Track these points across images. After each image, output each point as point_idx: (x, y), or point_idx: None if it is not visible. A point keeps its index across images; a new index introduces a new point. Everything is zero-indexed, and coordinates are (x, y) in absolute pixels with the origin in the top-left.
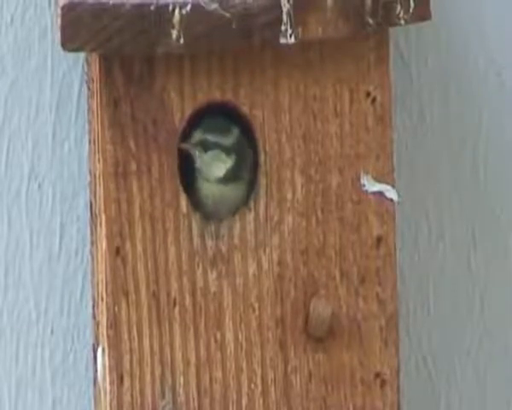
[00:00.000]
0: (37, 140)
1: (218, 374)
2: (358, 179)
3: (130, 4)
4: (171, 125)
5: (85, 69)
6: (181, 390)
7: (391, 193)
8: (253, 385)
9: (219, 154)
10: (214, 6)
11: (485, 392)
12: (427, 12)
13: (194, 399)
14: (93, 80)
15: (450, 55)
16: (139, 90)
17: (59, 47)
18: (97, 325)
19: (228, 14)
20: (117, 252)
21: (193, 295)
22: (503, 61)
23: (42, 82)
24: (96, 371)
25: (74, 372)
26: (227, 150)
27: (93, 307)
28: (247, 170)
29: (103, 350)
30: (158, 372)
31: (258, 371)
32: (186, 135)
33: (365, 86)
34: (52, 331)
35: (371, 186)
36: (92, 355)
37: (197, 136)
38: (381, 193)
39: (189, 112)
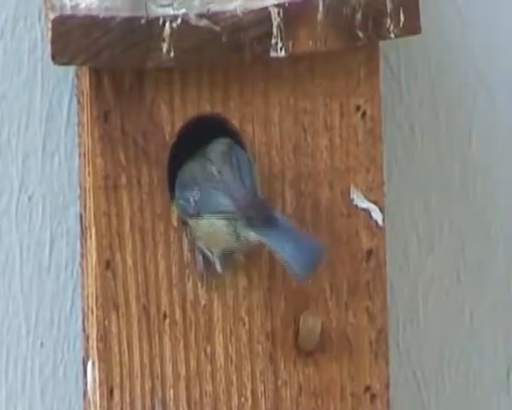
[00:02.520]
0: (27, 153)
1: (209, 387)
2: (348, 193)
3: (121, 18)
4: (161, 138)
5: (75, 82)
6: (171, 404)
7: (376, 214)
8: (243, 398)
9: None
10: (204, 20)
11: (475, 405)
12: (417, 26)
13: None
14: (83, 93)
15: (439, 68)
16: (129, 103)
17: (49, 60)
18: (87, 338)
19: (218, 28)
20: (107, 265)
21: (183, 308)
22: (492, 75)
23: (32, 95)
24: (85, 384)
25: (64, 385)
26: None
27: (83, 320)
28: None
29: (93, 363)
30: (148, 386)
31: (249, 385)
32: (176, 148)
33: (355, 100)
34: (42, 344)
35: (360, 202)
36: (82, 368)
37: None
38: (368, 211)
39: (179, 125)
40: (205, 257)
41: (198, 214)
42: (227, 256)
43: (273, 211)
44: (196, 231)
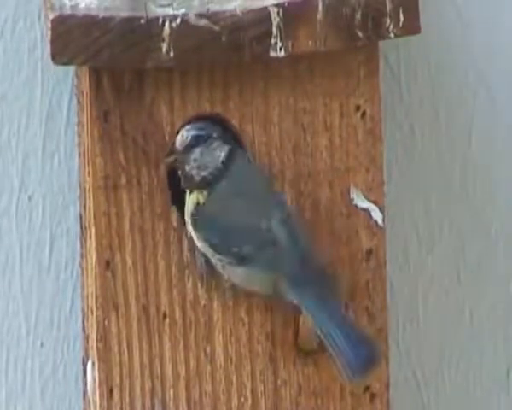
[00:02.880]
0: (27, 153)
1: (208, 387)
2: (348, 193)
3: (120, 18)
4: (160, 138)
5: (75, 82)
6: (171, 404)
7: (376, 214)
8: (242, 398)
9: (214, 142)
10: (204, 20)
11: (475, 405)
12: (417, 26)
13: None
14: (83, 93)
15: (439, 68)
16: (129, 103)
17: (49, 60)
18: (87, 338)
19: (217, 28)
20: (107, 265)
21: (183, 308)
22: (492, 75)
23: (32, 95)
24: (85, 384)
25: (64, 385)
26: (221, 139)
27: (83, 320)
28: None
29: (93, 364)
30: (148, 386)
31: (248, 385)
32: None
33: (355, 100)
34: (42, 344)
35: (360, 202)
36: (82, 368)
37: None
38: (367, 211)
39: (178, 125)
40: (207, 260)
41: (240, 263)
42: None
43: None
44: (226, 274)
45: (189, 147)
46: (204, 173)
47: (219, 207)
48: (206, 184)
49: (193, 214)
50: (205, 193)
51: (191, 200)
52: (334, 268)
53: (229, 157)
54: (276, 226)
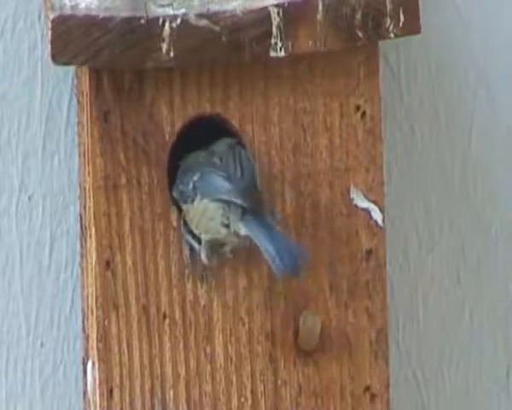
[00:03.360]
0: (27, 153)
1: (208, 387)
2: (348, 193)
3: (120, 18)
4: (160, 138)
5: (75, 82)
6: (171, 404)
7: (376, 214)
8: (242, 399)
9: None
10: (204, 20)
11: (475, 405)
12: (417, 26)
13: None
14: (83, 93)
15: (439, 68)
16: (129, 103)
17: (49, 60)
18: (87, 338)
19: (217, 28)
20: (107, 265)
21: (183, 308)
22: (492, 75)
23: (32, 95)
24: (85, 384)
25: (64, 385)
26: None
27: (83, 320)
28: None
29: (93, 364)
30: (148, 386)
31: (248, 385)
32: (176, 149)
33: (355, 100)
34: (42, 344)
35: (360, 202)
36: (82, 368)
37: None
38: (367, 211)
39: (178, 125)
40: (192, 250)
41: (194, 196)
42: (214, 248)
43: (267, 209)
44: (189, 215)
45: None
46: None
47: (192, 164)
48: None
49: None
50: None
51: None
52: (334, 268)
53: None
54: (227, 160)
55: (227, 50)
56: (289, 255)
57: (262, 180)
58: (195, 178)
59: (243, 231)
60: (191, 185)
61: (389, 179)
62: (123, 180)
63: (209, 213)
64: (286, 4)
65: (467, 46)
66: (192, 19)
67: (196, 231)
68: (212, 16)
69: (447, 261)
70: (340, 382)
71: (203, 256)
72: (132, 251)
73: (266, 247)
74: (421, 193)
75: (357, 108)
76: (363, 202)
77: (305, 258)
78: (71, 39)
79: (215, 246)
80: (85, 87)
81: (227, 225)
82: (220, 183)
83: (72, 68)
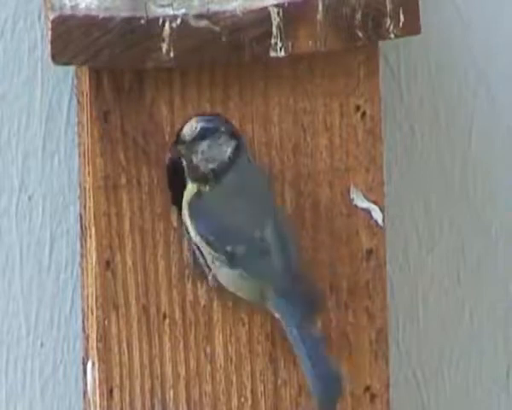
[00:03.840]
0: (27, 153)
1: (208, 388)
2: (348, 193)
3: (120, 18)
4: (160, 138)
5: (75, 82)
6: (171, 404)
7: (376, 214)
8: (242, 399)
9: (222, 136)
10: (204, 20)
11: (475, 405)
12: (417, 26)
13: None
14: (83, 93)
15: (439, 68)
16: (129, 103)
17: (49, 60)
18: (87, 338)
19: (217, 28)
20: (107, 265)
21: (183, 308)
22: (492, 75)
23: (32, 95)
24: (85, 384)
25: (64, 385)
26: (228, 133)
27: (83, 320)
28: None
29: (93, 364)
30: (148, 386)
31: (248, 385)
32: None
33: (355, 100)
34: (42, 344)
35: (360, 202)
36: (82, 368)
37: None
38: (368, 211)
39: (178, 125)
40: (194, 257)
41: (229, 264)
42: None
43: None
44: (214, 270)
45: (198, 138)
46: (212, 166)
47: (220, 202)
48: (213, 177)
49: (191, 204)
50: (207, 185)
51: (191, 189)
52: (334, 268)
53: (235, 153)
54: (269, 236)
55: (227, 50)
56: (326, 386)
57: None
58: (239, 249)
59: (277, 312)
60: (229, 251)
61: (389, 179)
62: (123, 180)
63: (243, 284)
64: (286, 4)
65: (467, 46)
66: (192, 19)
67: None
68: (212, 16)
69: (447, 261)
70: None
71: (210, 281)
72: (132, 251)
73: (307, 368)
74: (421, 193)
75: (357, 108)
76: (363, 202)
77: (338, 393)
78: (71, 39)
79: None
80: (85, 87)
81: (261, 301)
82: (269, 268)
83: (72, 68)
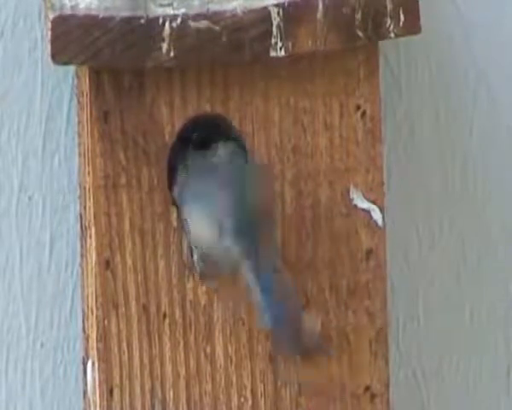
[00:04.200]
0: (28, 153)
1: (208, 387)
2: (348, 193)
3: (120, 18)
4: (160, 138)
5: (75, 82)
6: (171, 404)
7: (376, 214)
8: (242, 398)
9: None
10: (204, 20)
11: (475, 405)
12: (417, 26)
13: None
14: (83, 93)
15: (439, 68)
16: (129, 103)
17: (49, 60)
18: (87, 338)
19: (218, 28)
20: (107, 265)
21: (183, 308)
22: (492, 75)
23: (32, 95)
24: (85, 384)
25: (64, 385)
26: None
27: (83, 320)
28: None
29: (93, 363)
30: (148, 386)
31: (248, 385)
32: (176, 150)
33: (355, 100)
34: (42, 344)
35: (360, 202)
36: (82, 368)
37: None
38: (367, 211)
39: (179, 125)
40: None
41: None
42: (207, 264)
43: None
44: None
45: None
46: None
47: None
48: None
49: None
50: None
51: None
52: (334, 268)
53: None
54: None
55: (227, 50)
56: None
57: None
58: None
59: (232, 245)
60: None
61: (389, 179)
62: (123, 180)
63: (203, 219)
64: (286, 4)
65: (467, 46)
66: (192, 19)
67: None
68: (212, 16)
69: (447, 261)
70: (340, 381)
71: (196, 267)
72: (132, 251)
73: (260, 301)
74: (421, 193)
75: (358, 107)
76: (363, 202)
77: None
78: (71, 39)
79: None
80: (85, 87)
81: (220, 238)
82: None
83: (72, 68)
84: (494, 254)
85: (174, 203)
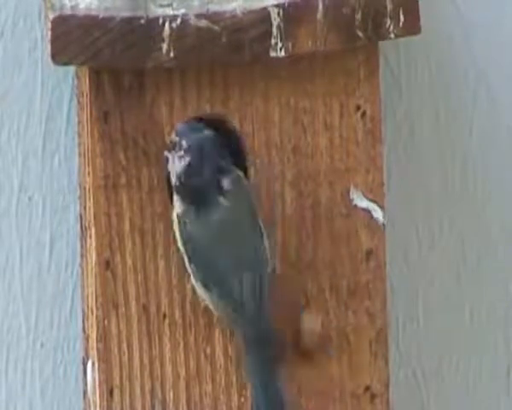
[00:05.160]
0: (28, 153)
1: (208, 388)
2: (348, 193)
3: (120, 18)
4: (160, 138)
5: (75, 82)
6: (171, 404)
7: (377, 213)
8: (242, 399)
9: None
10: (204, 20)
11: (475, 405)
12: (417, 26)
13: None
14: (83, 93)
15: (439, 68)
16: (129, 103)
17: (49, 60)
18: (87, 338)
19: (217, 28)
20: (107, 265)
21: (183, 308)
22: (492, 75)
23: (32, 95)
24: (85, 384)
25: (64, 386)
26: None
27: (83, 320)
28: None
29: (93, 364)
30: (148, 386)
31: (249, 385)
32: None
33: (355, 100)
34: (42, 345)
35: (360, 202)
36: (82, 368)
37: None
38: (368, 210)
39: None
40: None
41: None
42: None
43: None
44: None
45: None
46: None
47: (207, 235)
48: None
49: (180, 221)
50: (193, 208)
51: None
52: (334, 268)
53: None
54: (246, 288)
55: (227, 50)
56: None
57: (262, 180)
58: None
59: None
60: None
61: (389, 179)
62: (123, 180)
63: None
64: (286, 4)
65: (467, 46)
66: (192, 19)
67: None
68: (211, 16)
69: (447, 261)
70: (340, 382)
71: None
72: (132, 251)
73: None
74: (421, 193)
75: (358, 107)
76: (363, 202)
77: None
78: (71, 39)
79: None
80: (85, 87)
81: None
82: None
83: (72, 68)
84: (494, 254)
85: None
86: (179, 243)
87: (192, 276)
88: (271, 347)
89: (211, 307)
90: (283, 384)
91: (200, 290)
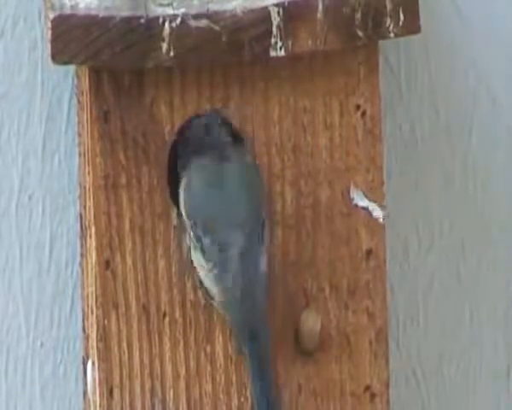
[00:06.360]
0: (28, 153)
1: (208, 387)
2: (348, 192)
3: (120, 17)
4: (160, 137)
5: (75, 82)
6: (171, 404)
7: (377, 212)
8: (242, 398)
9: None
10: (204, 19)
11: (475, 405)
12: (417, 25)
13: None
14: (83, 93)
15: (439, 68)
16: (129, 102)
17: (49, 60)
18: (87, 338)
19: (217, 28)
20: (107, 265)
21: (183, 307)
22: (492, 75)
23: (32, 95)
24: (85, 384)
25: (64, 385)
26: None
27: (83, 320)
28: None
29: (93, 363)
30: (148, 386)
31: (249, 385)
32: (176, 148)
33: (355, 99)
34: (42, 344)
35: (360, 201)
36: (82, 368)
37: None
38: (368, 209)
39: (178, 125)
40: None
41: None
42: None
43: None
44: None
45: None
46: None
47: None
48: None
49: (185, 189)
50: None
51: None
52: (334, 268)
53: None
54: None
55: (227, 50)
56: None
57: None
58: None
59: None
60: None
61: (389, 179)
62: (123, 180)
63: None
64: (286, 4)
65: (467, 46)
66: (192, 18)
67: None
68: (212, 16)
69: (447, 261)
70: (340, 381)
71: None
72: (132, 250)
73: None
74: (421, 193)
75: (358, 107)
76: (363, 202)
77: None
78: (71, 39)
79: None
80: (85, 87)
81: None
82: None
83: (72, 68)
84: (494, 254)
85: (174, 203)
86: (181, 206)
87: (192, 247)
88: (265, 343)
89: (208, 283)
90: (275, 382)
91: (198, 266)
